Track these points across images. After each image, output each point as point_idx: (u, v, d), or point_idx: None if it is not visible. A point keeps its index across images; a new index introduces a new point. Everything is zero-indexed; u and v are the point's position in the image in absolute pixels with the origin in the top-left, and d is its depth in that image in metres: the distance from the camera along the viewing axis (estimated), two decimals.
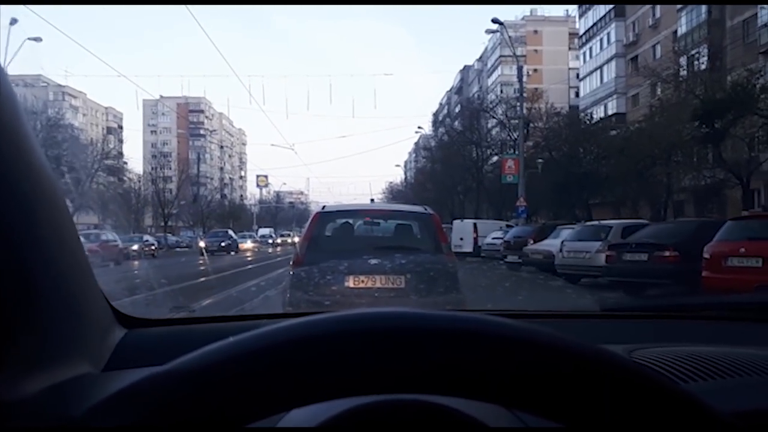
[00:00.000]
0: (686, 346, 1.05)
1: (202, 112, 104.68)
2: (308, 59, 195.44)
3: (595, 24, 45.82)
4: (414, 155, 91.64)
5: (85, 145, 43.46)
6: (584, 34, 47.98)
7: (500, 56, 65.60)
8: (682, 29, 32.61)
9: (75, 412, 0.47)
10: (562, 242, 15.08)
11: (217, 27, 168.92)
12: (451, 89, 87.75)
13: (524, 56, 56.87)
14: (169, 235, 47.31)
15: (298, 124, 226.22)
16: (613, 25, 43.04)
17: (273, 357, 0.43)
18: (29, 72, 48.65)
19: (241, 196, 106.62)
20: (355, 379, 0.44)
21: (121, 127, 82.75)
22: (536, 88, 41.38)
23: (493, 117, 41.78)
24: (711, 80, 22.78)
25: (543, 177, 29.86)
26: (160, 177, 53.45)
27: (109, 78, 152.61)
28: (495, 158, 39.46)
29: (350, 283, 4.91)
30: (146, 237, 35.42)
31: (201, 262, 24.87)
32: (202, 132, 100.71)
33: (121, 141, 69.49)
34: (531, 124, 33.43)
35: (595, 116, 39.39)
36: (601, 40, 44.63)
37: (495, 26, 28.65)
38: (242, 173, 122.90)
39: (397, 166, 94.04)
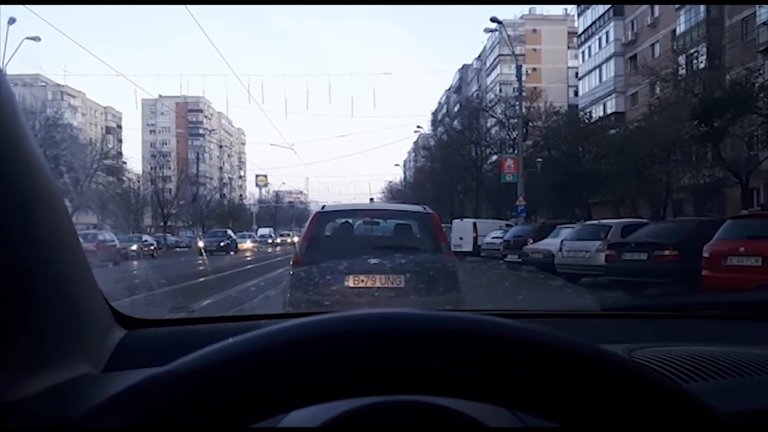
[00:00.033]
0: (686, 346, 1.05)
1: (201, 111, 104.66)
2: (307, 59, 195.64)
3: (593, 23, 45.83)
4: (413, 154, 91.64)
5: (84, 144, 43.45)
6: (583, 32, 47.99)
7: (499, 55, 65.60)
8: (680, 28, 32.62)
9: (75, 412, 0.47)
10: (562, 241, 15.08)
11: (216, 27, 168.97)
12: (450, 88, 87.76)
13: (523, 55, 56.87)
14: (168, 235, 47.29)
15: (298, 124, 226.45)
16: (611, 24, 43.06)
17: (273, 358, 0.43)
18: (28, 71, 48.69)
19: (241, 195, 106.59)
20: (355, 379, 0.44)
21: (120, 127, 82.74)
22: (535, 87, 41.42)
23: (493, 116, 41.79)
24: (710, 79, 22.80)
25: (542, 176, 29.86)
26: (160, 177, 53.46)
27: (108, 77, 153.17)
28: (494, 157, 39.46)
29: (350, 282, 4.92)
30: (145, 237, 35.42)
31: (200, 262, 24.85)
32: (201, 131, 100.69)
33: (120, 141, 69.52)
34: (530, 123, 33.47)
35: (594, 115, 39.40)
36: (600, 38, 44.66)
37: (494, 25, 28.65)
38: (241, 173, 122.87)
39: (397, 165, 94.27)
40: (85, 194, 35.96)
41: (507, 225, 25.18)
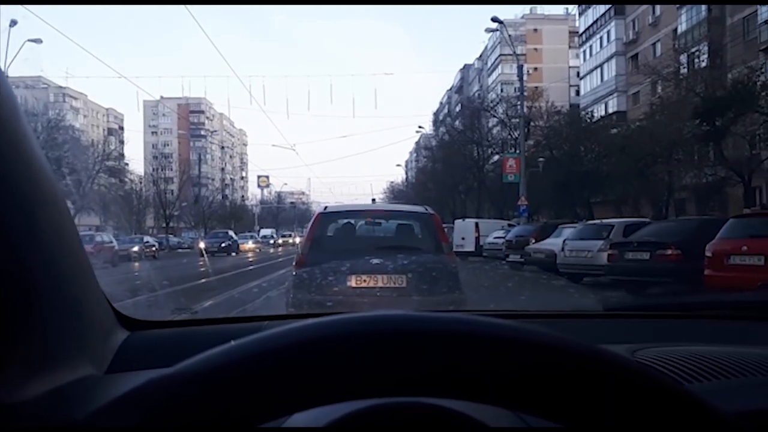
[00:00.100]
0: (689, 346, 1.05)
1: (202, 112, 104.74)
2: (309, 59, 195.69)
3: (594, 22, 45.79)
4: (415, 155, 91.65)
5: (86, 146, 43.46)
6: (584, 32, 47.96)
7: (500, 55, 65.56)
8: (682, 27, 32.58)
9: (78, 414, 0.47)
10: (564, 241, 15.07)
11: (217, 28, 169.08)
12: (451, 88, 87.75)
13: (524, 55, 56.85)
14: (170, 236, 47.31)
15: (299, 125, 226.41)
16: (612, 23, 43.03)
17: (277, 360, 0.43)
18: (30, 74, 48.66)
19: (243, 196, 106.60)
20: (358, 381, 0.44)
21: (122, 129, 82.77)
22: (536, 87, 41.33)
23: (494, 116, 41.78)
24: (711, 78, 22.76)
25: (544, 176, 29.83)
26: (162, 178, 53.40)
27: (110, 79, 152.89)
28: (496, 157, 39.44)
29: (352, 282, 4.95)
30: (146, 238, 35.40)
31: (201, 263, 24.87)
32: (203, 133, 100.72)
33: (122, 142, 69.46)
34: (532, 123, 33.43)
35: (595, 114, 39.34)
36: (601, 38, 44.62)
37: (495, 25, 28.62)
38: (243, 174, 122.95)
39: (398, 165, 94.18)
40: (88, 196, 36.02)
41: (509, 225, 25.16)
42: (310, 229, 5.73)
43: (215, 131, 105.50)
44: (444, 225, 7.49)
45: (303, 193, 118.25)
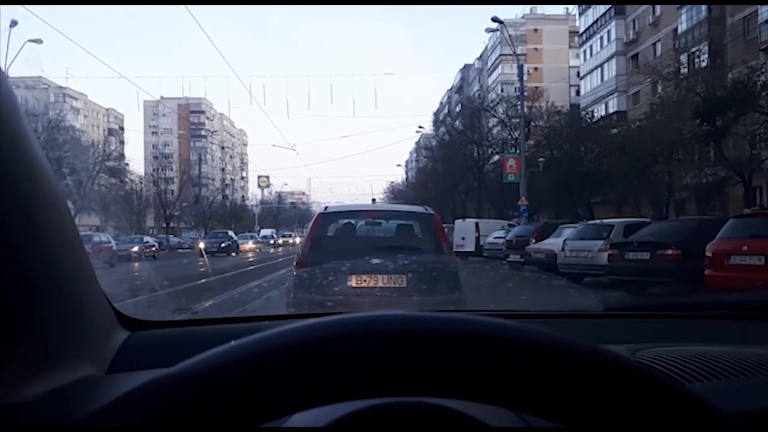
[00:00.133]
0: (690, 346, 1.05)
1: (203, 112, 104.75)
2: (309, 60, 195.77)
3: (595, 22, 45.79)
4: (415, 155, 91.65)
5: (87, 146, 43.48)
6: (584, 32, 47.96)
7: (500, 55, 65.55)
8: (682, 27, 32.58)
9: (78, 414, 0.47)
10: (564, 241, 15.07)
11: (217, 28, 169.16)
12: (451, 88, 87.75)
13: (524, 55, 56.85)
14: (171, 236, 47.32)
15: (299, 125, 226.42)
16: (613, 23, 43.02)
17: (278, 360, 0.43)
18: (30, 74, 48.68)
19: (243, 197, 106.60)
20: (359, 381, 0.44)
21: (122, 129, 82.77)
22: (537, 87, 41.33)
23: (494, 116, 41.78)
24: (712, 78, 22.76)
25: (544, 176, 29.84)
26: (162, 178, 53.44)
27: (110, 79, 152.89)
28: (496, 157, 39.44)
29: (353, 282, 4.97)
30: (146, 238, 35.38)
31: (201, 263, 24.86)
32: (203, 133, 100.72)
33: (122, 142, 69.47)
34: (532, 123, 33.44)
35: (596, 114, 39.34)
36: (602, 38, 44.62)
37: (495, 25, 28.62)
38: (244, 174, 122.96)
39: (399, 165, 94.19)
40: (88, 196, 36.04)
41: (509, 225, 25.16)
42: (310, 229, 5.74)
43: (215, 131, 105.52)
44: (444, 225, 7.50)
45: (303, 193, 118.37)
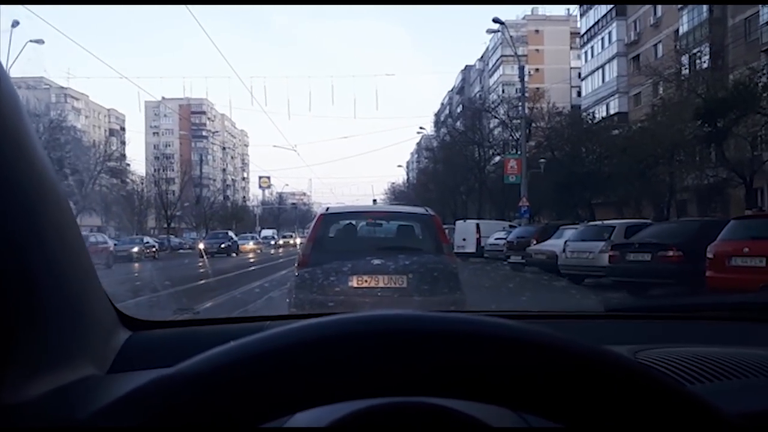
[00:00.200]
0: (691, 347, 1.05)
1: (204, 113, 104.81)
2: (310, 60, 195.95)
3: (596, 23, 45.78)
4: (416, 156, 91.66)
5: (88, 147, 43.55)
6: (585, 33, 47.95)
7: (502, 56, 65.56)
8: (683, 28, 32.57)
9: (80, 414, 0.47)
10: (566, 242, 15.06)
11: (218, 28, 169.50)
12: (452, 89, 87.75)
13: (526, 56, 56.86)
14: (172, 236, 47.36)
15: (300, 125, 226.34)
16: (614, 24, 43.02)
17: (279, 360, 0.43)
18: (31, 74, 48.66)
19: (244, 197, 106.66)
20: (360, 381, 0.44)
21: (123, 129, 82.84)
22: (538, 88, 41.31)
23: (495, 117, 41.79)
24: (713, 79, 22.76)
25: (545, 177, 29.83)
26: (163, 179, 53.39)
27: (112, 80, 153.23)
28: (497, 158, 39.45)
29: (354, 283, 5.00)
30: (147, 239, 35.39)
31: (201, 264, 24.86)
32: (204, 133, 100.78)
33: (123, 143, 69.51)
34: (533, 124, 33.46)
35: (597, 116, 39.37)
36: (603, 39, 44.61)
37: (496, 26, 28.65)
38: (245, 174, 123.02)
39: (400, 166, 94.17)
40: (89, 196, 36.08)
41: (510, 226, 25.16)
42: (312, 229, 5.78)
43: (217, 132, 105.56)
44: (445, 226, 7.52)
45: (304, 194, 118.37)
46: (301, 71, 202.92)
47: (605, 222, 16.66)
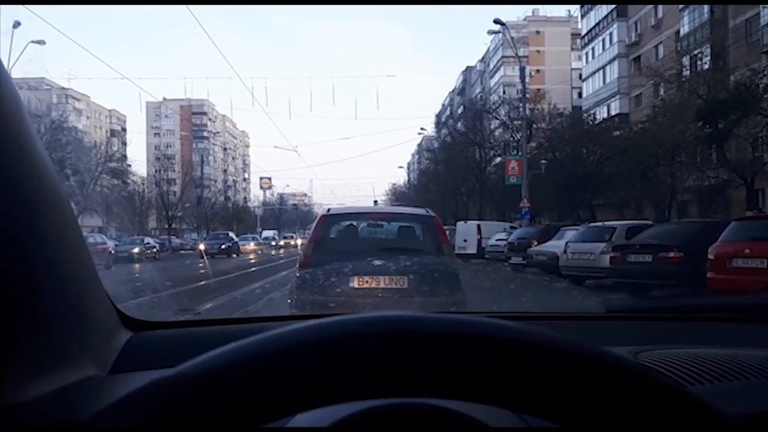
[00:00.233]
0: (692, 348, 1.05)
1: (205, 114, 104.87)
2: (311, 61, 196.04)
3: (597, 24, 45.77)
4: (417, 157, 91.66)
5: (89, 147, 43.55)
6: (586, 34, 47.94)
7: (502, 57, 65.57)
8: (684, 29, 32.56)
9: (82, 415, 0.47)
10: (567, 243, 15.05)
11: (219, 29, 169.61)
12: (453, 90, 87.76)
13: (526, 57, 56.84)
14: (173, 237, 47.39)
15: (301, 126, 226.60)
16: (615, 26, 43.00)
17: (281, 361, 0.43)
18: (33, 75, 48.72)
19: (245, 198, 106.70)
20: (361, 382, 0.44)
21: (124, 130, 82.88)
22: (539, 89, 41.30)
23: (496, 118, 41.77)
24: (714, 80, 22.75)
25: (546, 178, 29.82)
26: (164, 179, 53.48)
27: (113, 81, 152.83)
28: (498, 159, 39.44)
29: (355, 283, 5.02)
30: (147, 239, 35.35)
31: (201, 265, 24.87)
32: (205, 134, 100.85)
33: (124, 143, 69.52)
34: (534, 125, 33.41)
35: (598, 117, 39.32)
36: (604, 40, 44.59)
37: (497, 27, 28.68)
38: (246, 175, 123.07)
39: (400, 167, 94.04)
40: (90, 197, 36.09)
41: (511, 227, 25.16)
42: (313, 230, 5.81)
43: (218, 133, 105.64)
44: (446, 227, 7.52)
45: (305, 195, 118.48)
46: (301, 72, 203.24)
47: (606, 223, 16.66)
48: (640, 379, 0.45)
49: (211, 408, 0.42)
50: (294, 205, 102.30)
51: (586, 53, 48.12)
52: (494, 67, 71.20)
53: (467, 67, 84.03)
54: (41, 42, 29.92)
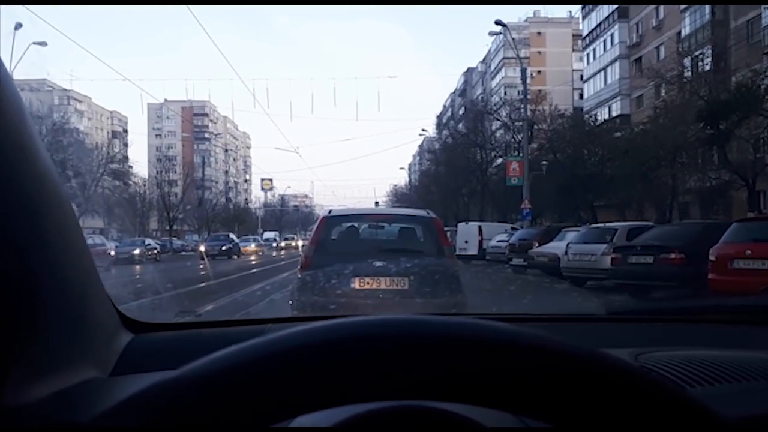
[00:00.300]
0: (692, 350, 1.05)
1: (206, 115, 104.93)
2: (312, 62, 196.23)
3: (598, 25, 45.76)
4: (418, 158, 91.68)
5: (91, 149, 43.60)
6: (588, 35, 47.94)
7: (504, 58, 65.57)
8: (685, 30, 32.55)
9: (82, 417, 0.47)
10: (568, 245, 15.04)
11: (220, 30, 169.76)
12: (454, 91, 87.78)
13: (528, 58, 56.85)
14: (174, 239, 47.40)
15: (303, 128, 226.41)
16: (616, 27, 43.00)
17: (282, 363, 0.43)
18: (34, 76, 48.97)
19: (246, 199, 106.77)
20: (362, 384, 0.44)
21: (126, 131, 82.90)
22: (540, 90, 41.30)
23: (497, 119, 41.75)
24: (715, 81, 22.72)
25: (547, 179, 29.79)
26: (165, 181, 53.63)
27: (114, 82, 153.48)
28: (499, 160, 39.43)
29: (356, 284, 5.03)
30: (148, 241, 35.32)
31: (202, 266, 24.87)
32: (206, 135, 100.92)
33: (126, 145, 69.52)
34: (535, 126, 33.38)
35: (599, 118, 39.31)
36: (605, 41, 44.59)
37: (498, 28, 28.68)
38: (247, 177, 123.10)
39: (402, 168, 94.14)
40: (92, 198, 36.10)
41: (512, 228, 25.14)
42: (314, 232, 5.83)
43: (219, 134, 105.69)
44: (447, 228, 7.53)
45: (306, 196, 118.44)
46: (302, 73, 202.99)
47: (607, 224, 16.64)
48: (638, 382, 0.45)
49: (214, 410, 0.42)
50: (295, 206, 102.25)
51: (588, 54, 48.11)
52: (495, 68, 71.20)
53: (468, 68, 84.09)
54: (43, 43, 30.04)
